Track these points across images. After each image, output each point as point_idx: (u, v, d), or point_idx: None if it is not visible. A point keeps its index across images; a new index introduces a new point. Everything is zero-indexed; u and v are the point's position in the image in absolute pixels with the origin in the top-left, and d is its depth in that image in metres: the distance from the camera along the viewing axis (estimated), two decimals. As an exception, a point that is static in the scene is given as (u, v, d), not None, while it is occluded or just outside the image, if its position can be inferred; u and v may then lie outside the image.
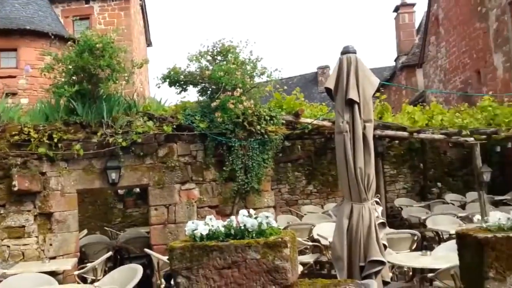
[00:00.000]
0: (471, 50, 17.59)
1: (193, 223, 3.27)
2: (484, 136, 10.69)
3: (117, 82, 8.81)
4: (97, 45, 8.21)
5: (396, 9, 26.07)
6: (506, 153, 13.85)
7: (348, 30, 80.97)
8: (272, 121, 8.97)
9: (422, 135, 10.56)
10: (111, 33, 8.66)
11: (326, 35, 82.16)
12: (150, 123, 8.60)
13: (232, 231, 3.28)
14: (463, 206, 11.92)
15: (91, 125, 8.51)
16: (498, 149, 12.84)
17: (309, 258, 8.27)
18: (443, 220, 9.35)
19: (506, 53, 14.92)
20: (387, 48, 77.81)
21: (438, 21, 20.67)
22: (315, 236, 8.39)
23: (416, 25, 26.69)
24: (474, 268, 3.22)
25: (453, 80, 19.46)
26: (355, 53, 5.61)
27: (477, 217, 3.51)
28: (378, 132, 10.31)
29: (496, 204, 11.62)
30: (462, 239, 3.45)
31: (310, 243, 8.56)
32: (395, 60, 27.49)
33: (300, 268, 7.00)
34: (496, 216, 3.48)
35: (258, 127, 8.76)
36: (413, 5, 26.03)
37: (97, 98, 8.66)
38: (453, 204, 12.19)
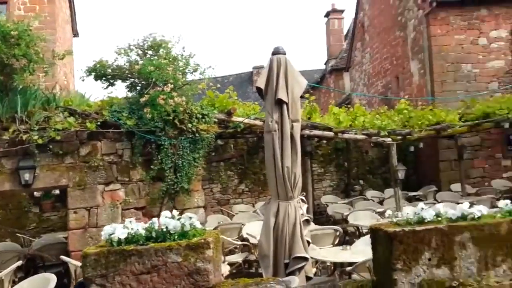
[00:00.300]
0: (392, 57, 18.11)
1: (110, 226, 3.07)
2: (400, 137, 11.10)
3: (35, 73, 8.05)
4: (12, 32, 7.37)
5: (327, 15, 26.42)
6: (419, 152, 14.41)
7: (284, 32, 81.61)
8: (204, 120, 8.66)
9: (346, 135, 10.80)
10: (31, 20, 7.88)
11: (263, 36, 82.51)
12: (71, 119, 7.92)
13: (154, 234, 3.11)
14: (381, 202, 12.25)
15: (1, 121, 7.70)
16: (412, 149, 13.34)
17: (238, 257, 8.14)
18: (363, 215, 9.56)
19: (421, 60, 15.46)
20: (319, 52, 79.18)
21: (364, 28, 21.12)
22: (245, 235, 8.25)
23: (345, 31, 27.19)
24: (385, 260, 3.27)
25: (375, 84, 19.98)
26: (284, 54, 5.58)
27: (388, 212, 3.56)
28: (307, 132, 10.42)
29: (410, 200, 12.06)
30: (374, 233, 3.51)
31: (239, 243, 8.38)
32: (325, 64, 27.89)
33: (228, 268, 6.93)
34: (408, 211, 3.53)
35: (190, 125, 8.43)
36: (342, 11, 26.44)
37: (10, 91, 7.83)
38: (373, 200, 12.51)
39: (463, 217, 3.35)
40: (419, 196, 13.02)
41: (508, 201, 3.53)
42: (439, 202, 9.95)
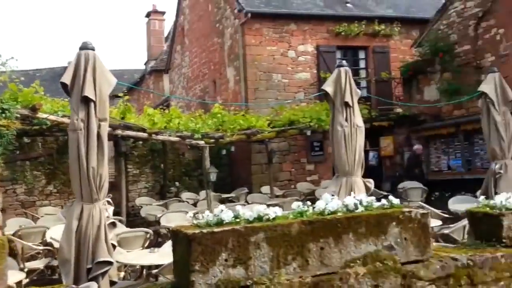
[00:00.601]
0: (210, 62, 18.55)
1: None
2: (213, 140, 11.37)
3: None
4: None
5: (148, 15, 26.21)
6: (234, 156, 14.99)
7: (106, 29, 78.52)
8: (4, 115, 7.87)
9: (160, 137, 10.75)
10: None
11: (84, 32, 78.34)
12: None
13: None
14: (196, 204, 12.39)
15: None
16: (224, 152, 13.81)
17: (39, 263, 7.55)
18: (176, 217, 9.55)
19: (236, 68, 16.11)
20: (141, 51, 77.72)
21: (184, 31, 21.34)
22: (48, 240, 7.64)
23: (166, 33, 27.17)
24: (184, 262, 3.26)
25: (194, 88, 20.27)
26: (93, 50, 5.29)
27: (190, 214, 3.60)
28: (119, 132, 10.18)
29: (223, 202, 12.41)
30: (175, 235, 3.47)
31: (42, 247, 7.77)
32: (145, 64, 27.55)
33: (23, 276, 6.37)
34: (208, 213, 3.53)
35: (-14, 120, 7.56)
36: (163, 13, 26.46)
37: None
38: (188, 202, 12.58)
39: (259, 218, 3.47)
40: (232, 198, 13.47)
41: (300, 203, 3.75)
42: (249, 204, 10.43)
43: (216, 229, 3.26)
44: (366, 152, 15.29)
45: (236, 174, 15.94)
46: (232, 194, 13.74)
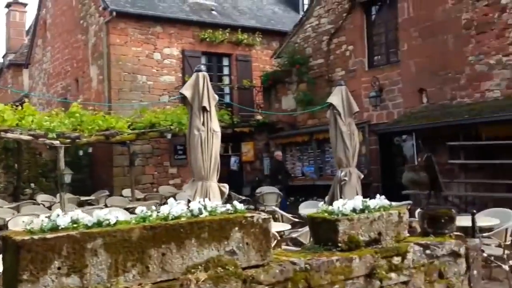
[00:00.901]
0: (73, 59, 17.63)
1: None
2: (69, 140, 10.72)
3: None
4: None
5: (8, 5, 24.40)
6: (95, 157, 14.34)
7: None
8: None
9: (10, 135, 9.94)
10: None
11: None
12: None
13: None
14: (51, 207, 11.64)
15: None
16: (81, 153, 13.14)
17: None
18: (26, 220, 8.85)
19: (100, 66, 15.46)
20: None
21: (46, 25, 20.18)
22: None
23: (28, 26, 25.45)
24: (12, 271, 2.99)
25: (55, 85, 19.15)
26: None
27: (26, 218, 3.31)
28: (-40, 128, 9.22)
29: (82, 204, 11.84)
30: (5, 242, 3.15)
31: None
32: (3, 57, 25.62)
33: None
34: (43, 217, 3.26)
35: None
36: (25, 4, 24.88)
37: None
38: (43, 205, 11.81)
39: (99, 224, 3.27)
40: (91, 200, 12.92)
41: (144, 208, 3.62)
42: (109, 207, 10.02)
43: (49, 235, 3.01)
44: (228, 157, 15.55)
45: (97, 176, 15.27)
46: (92, 197, 13.16)
